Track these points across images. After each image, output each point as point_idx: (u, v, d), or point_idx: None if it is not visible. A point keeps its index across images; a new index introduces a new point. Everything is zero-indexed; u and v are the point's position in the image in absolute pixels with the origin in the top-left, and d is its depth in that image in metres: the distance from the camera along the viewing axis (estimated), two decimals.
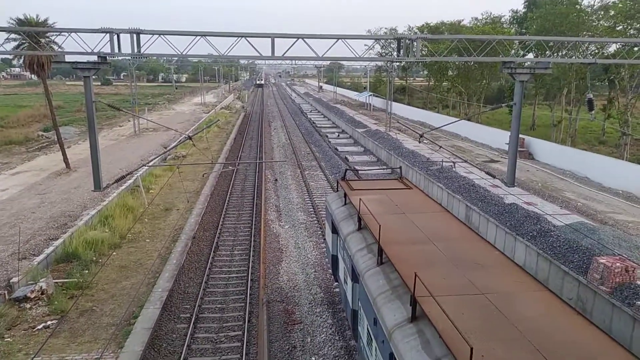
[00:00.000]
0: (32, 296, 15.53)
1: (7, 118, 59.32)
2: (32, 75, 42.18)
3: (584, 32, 47.37)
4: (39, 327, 14.30)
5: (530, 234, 18.88)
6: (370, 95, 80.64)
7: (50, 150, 42.04)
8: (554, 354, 6.99)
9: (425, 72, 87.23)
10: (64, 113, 68.10)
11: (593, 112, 31.79)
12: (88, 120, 14.96)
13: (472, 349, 6.16)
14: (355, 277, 11.94)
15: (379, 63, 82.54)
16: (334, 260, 15.63)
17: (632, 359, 6.96)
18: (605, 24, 46.89)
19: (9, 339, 13.70)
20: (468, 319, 7.91)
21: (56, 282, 16.73)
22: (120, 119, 63.70)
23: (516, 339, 7.41)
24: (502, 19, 74.11)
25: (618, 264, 14.71)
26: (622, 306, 13.11)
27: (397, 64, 70.49)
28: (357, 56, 15.93)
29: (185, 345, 14.41)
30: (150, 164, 27.93)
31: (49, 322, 14.55)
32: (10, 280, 16.16)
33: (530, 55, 50.38)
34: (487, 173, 18.07)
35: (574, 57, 44.33)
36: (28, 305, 15.33)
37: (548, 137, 50.08)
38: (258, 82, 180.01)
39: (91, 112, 14.59)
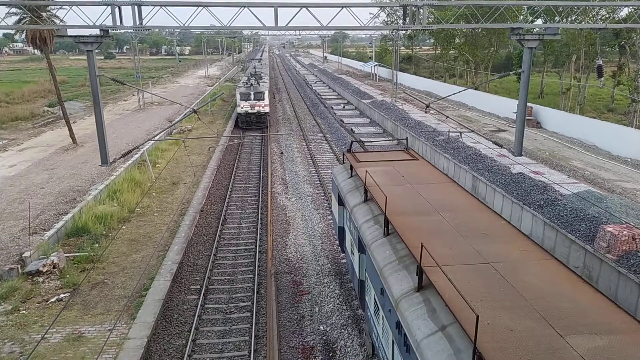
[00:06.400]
0: (45, 270, 15.82)
1: (12, 94, 59.18)
2: (35, 50, 41.88)
3: None
4: (52, 300, 14.63)
5: (537, 203, 18.86)
6: (376, 65, 79.54)
7: (56, 125, 42.09)
8: (560, 321, 7.07)
9: (432, 41, 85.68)
10: (69, 88, 67.90)
11: (602, 78, 31.25)
12: (93, 95, 14.92)
13: (478, 316, 6.23)
14: (362, 248, 12.03)
15: (385, 32, 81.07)
16: (341, 232, 15.74)
17: (637, 325, 7.02)
18: None
19: (24, 312, 14.04)
20: (474, 287, 7.98)
21: (67, 256, 17.01)
22: (124, 93, 63.44)
23: (522, 306, 7.48)
24: None
25: (625, 232, 14.71)
26: (629, 274, 13.16)
27: (403, 32, 69.25)
28: (362, 25, 15.64)
29: (196, 315, 14.72)
30: (156, 138, 27.97)
31: (61, 295, 14.86)
32: (23, 255, 16.45)
33: (539, 21, 49.22)
34: (495, 143, 17.93)
35: (583, 22, 43.28)
36: (41, 279, 15.64)
37: (556, 105, 49.43)
38: (246, 85, 41.83)
39: (95, 86, 14.53)
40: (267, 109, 41.74)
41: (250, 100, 40.68)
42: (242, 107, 41.28)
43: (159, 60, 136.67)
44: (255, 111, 41.15)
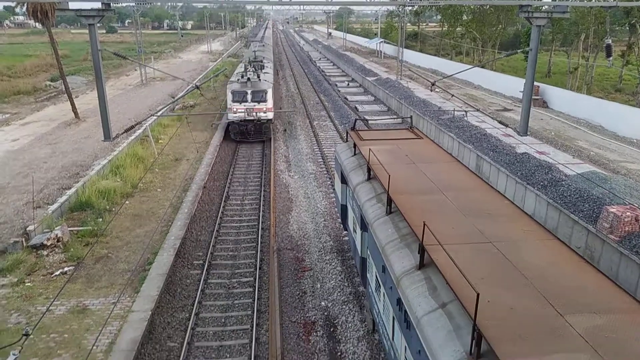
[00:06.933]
0: (49, 243, 15.96)
1: (14, 68, 58.83)
2: (37, 24, 41.45)
3: None
4: (57, 273, 14.79)
5: (541, 183, 18.80)
6: (381, 42, 78.46)
7: (59, 100, 41.92)
8: (560, 300, 7.10)
9: (439, 17, 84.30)
10: (71, 62, 67.39)
11: (611, 58, 30.70)
12: (95, 70, 14.76)
13: (478, 294, 6.25)
14: (364, 226, 12.06)
15: (391, 7, 79.70)
16: (343, 210, 15.77)
17: (636, 305, 7.06)
18: None
19: (29, 284, 14.22)
20: (475, 266, 8.00)
21: (71, 230, 17.13)
22: (126, 68, 62.96)
23: (523, 285, 7.51)
24: None
25: (628, 213, 14.68)
26: (630, 254, 13.19)
27: (410, 8, 68.04)
28: (368, 0, 15.35)
29: (199, 290, 14.88)
30: (159, 113, 27.82)
31: (66, 269, 15.02)
32: (27, 228, 16.57)
33: None
34: (500, 122, 17.76)
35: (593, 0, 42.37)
36: (45, 252, 15.79)
37: (564, 85, 48.83)
38: (241, 80, 29.87)
39: (97, 61, 14.37)
40: (270, 115, 29.78)
41: (246, 101, 29.10)
42: (234, 112, 29.35)
43: (161, 35, 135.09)
44: (253, 118, 29.48)
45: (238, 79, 30.25)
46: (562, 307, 6.95)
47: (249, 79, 29.57)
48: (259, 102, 29.25)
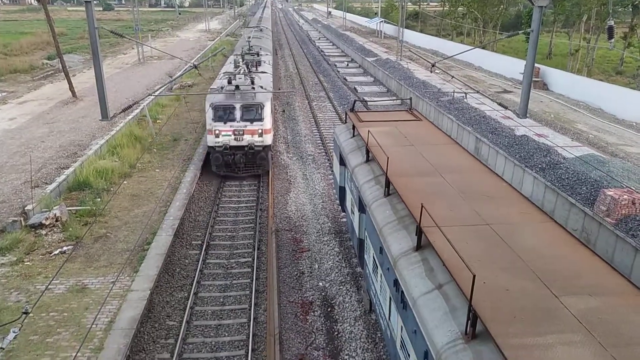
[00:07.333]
0: (47, 223, 15.98)
1: (9, 45, 58.04)
2: (32, 0, 40.73)
3: None
4: (56, 252, 14.84)
5: (540, 165, 18.81)
6: (382, 21, 77.52)
7: (56, 78, 41.52)
8: (556, 282, 7.16)
9: None
10: (67, 40, 66.52)
11: (612, 40, 30.43)
12: (92, 48, 14.58)
13: (474, 276, 6.30)
14: (362, 207, 12.09)
15: None
16: (342, 191, 15.79)
17: (631, 288, 7.13)
18: None
19: (28, 263, 14.29)
20: (472, 248, 8.05)
21: (69, 210, 17.14)
22: (123, 47, 62.25)
23: (519, 267, 7.56)
24: None
25: (625, 196, 14.73)
26: (626, 237, 13.27)
27: None
28: None
29: (198, 270, 14.99)
30: (156, 93, 27.60)
31: (64, 248, 15.07)
32: (25, 208, 16.58)
33: None
34: (500, 104, 17.65)
35: None
36: (44, 232, 15.83)
37: (564, 67, 48.47)
38: (226, 87, 20.69)
39: (94, 39, 14.18)
40: (268, 139, 21.26)
41: (234, 120, 20.71)
42: (217, 135, 20.81)
43: (158, 13, 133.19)
44: (243, 144, 20.98)
45: (222, 87, 21.23)
46: (557, 289, 7.02)
47: (237, 86, 20.96)
48: (251, 121, 20.75)
